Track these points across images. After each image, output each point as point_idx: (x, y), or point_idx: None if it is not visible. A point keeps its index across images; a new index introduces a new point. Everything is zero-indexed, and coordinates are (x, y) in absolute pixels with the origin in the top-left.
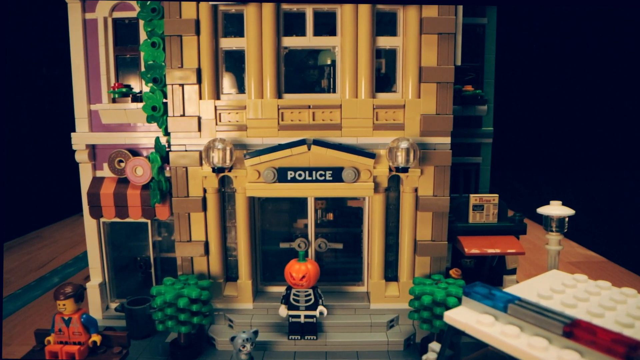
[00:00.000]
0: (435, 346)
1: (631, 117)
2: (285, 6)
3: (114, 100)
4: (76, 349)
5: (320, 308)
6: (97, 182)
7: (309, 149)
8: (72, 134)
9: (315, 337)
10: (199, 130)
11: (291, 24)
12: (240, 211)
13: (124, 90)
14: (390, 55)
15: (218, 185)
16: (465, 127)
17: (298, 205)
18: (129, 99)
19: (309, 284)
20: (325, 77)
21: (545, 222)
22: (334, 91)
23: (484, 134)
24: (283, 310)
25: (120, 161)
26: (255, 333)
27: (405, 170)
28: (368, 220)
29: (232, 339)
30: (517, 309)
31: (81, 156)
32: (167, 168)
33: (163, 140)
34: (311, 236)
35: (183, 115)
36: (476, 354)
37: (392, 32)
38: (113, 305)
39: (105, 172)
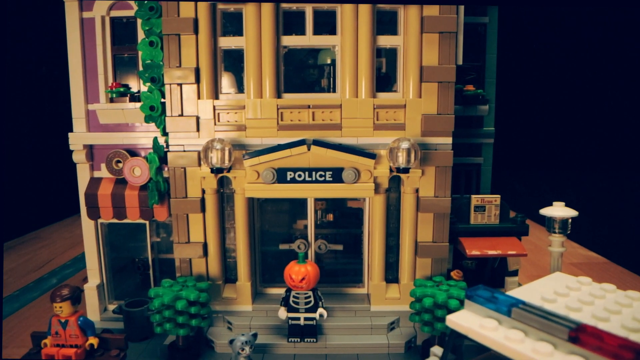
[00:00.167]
0: (437, 350)
1: (633, 118)
2: (284, 5)
3: (111, 100)
4: (73, 352)
5: (320, 310)
6: (94, 182)
7: (309, 149)
8: (70, 134)
9: (315, 340)
10: (198, 130)
11: (291, 23)
12: (239, 212)
13: (121, 89)
14: (390, 55)
15: (217, 186)
16: (466, 127)
17: (298, 206)
18: (127, 98)
19: (308, 286)
20: (325, 77)
21: (548, 223)
22: (334, 91)
23: (485, 134)
24: (282, 313)
25: (118, 161)
26: (254, 336)
27: (406, 170)
28: (368, 221)
29: (231, 341)
30: (521, 313)
31: (78, 156)
32: (166, 168)
33: (161, 140)
34: (311, 237)
35: (181, 115)
36: (479, 358)
37: (393, 31)
38: (111, 307)
39: (103, 172)
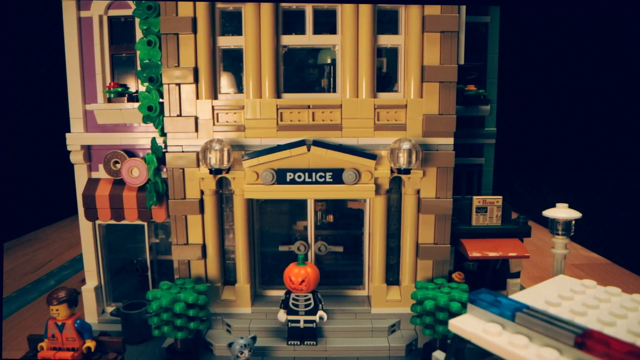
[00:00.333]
0: (439, 355)
1: (635, 118)
2: (284, 4)
3: (109, 100)
4: (70, 355)
5: (320, 313)
6: (92, 183)
7: (309, 150)
8: (67, 135)
9: (315, 343)
10: (196, 130)
11: (290, 22)
12: (238, 213)
13: (119, 89)
14: (391, 54)
15: (215, 187)
16: (467, 128)
17: (297, 207)
18: (125, 98)
19: (308, 288)
20: (325, 77)
21: (551, 225)
22: (334, 91)
23: (487, 135)
24: (282, 315)
25: (116, 162)
26: (254, 339)
27: (407, 171)
28: (369, 222)
29: (230, 344)
30: (526, 317)
31: (76, 157)
32: (164, 169)
33: (159, 140)
34: (311, 239)
35: (180, 115)
36: None
37: (394, 30)
38: (109, 309)
39: (101, 173)
